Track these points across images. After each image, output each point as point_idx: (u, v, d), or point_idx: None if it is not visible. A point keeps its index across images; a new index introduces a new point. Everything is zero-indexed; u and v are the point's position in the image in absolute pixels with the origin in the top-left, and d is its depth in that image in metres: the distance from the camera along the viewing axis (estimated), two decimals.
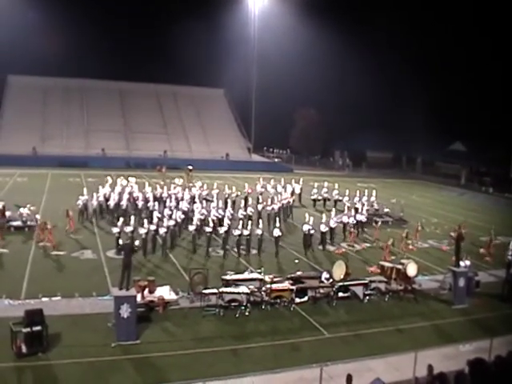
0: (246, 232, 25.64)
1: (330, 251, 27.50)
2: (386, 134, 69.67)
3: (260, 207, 32.66)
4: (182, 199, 31.53)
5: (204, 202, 31.72)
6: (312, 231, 27.20)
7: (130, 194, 32.67)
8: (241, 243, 25.56)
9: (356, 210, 33.70)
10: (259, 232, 25.96)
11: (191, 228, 26.17)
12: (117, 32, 73.29)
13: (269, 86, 69.95)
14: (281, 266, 24.33)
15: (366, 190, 38.48)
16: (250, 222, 27.37)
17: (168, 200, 31.21)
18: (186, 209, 29.83)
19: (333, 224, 28.97)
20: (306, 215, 28.31)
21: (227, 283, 19.72)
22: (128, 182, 35.95)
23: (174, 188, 34.46)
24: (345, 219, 30.30)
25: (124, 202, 31.28)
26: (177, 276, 22.21)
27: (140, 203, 31.59)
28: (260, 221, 27.51)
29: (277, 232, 26.08)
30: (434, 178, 67.72)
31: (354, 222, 30.60)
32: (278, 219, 27.97)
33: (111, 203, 31.46)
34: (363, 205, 34.26)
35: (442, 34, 68.40)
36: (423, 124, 63.98)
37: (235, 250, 25.76)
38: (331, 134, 75.93)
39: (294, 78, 72.15)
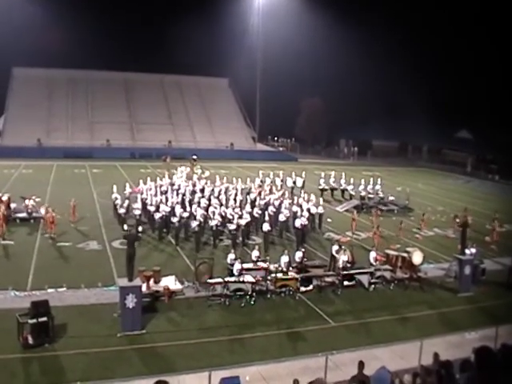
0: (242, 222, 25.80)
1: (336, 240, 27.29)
2: (392, 122, 69.22)
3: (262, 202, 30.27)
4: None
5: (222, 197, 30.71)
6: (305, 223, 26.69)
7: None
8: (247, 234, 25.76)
9: (351, 196, 33.70)
10: (242, 222, 25.86)
11: (194, 224, 25.08)
12: (121, 22, 73.13)
13: (273, 75, 69.63)
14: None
15: (372, 179, 38.30)
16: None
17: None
18: (205, 205, 28.31)
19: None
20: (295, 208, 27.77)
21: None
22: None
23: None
24: (313, 210, 29.19)
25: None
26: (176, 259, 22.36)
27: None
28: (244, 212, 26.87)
29: (266, 227, 25.48)
30: (440, 166, 67.48)
31: (322, 211, 29.83)
32: (266, 213, 27.13)
33: (175, 195, 29.78)
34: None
35: (447, 23, 67.87)
36: (429, 112, 63.57)
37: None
38: (336, 122, 75.44)
39: (299, 66, 71.83)
